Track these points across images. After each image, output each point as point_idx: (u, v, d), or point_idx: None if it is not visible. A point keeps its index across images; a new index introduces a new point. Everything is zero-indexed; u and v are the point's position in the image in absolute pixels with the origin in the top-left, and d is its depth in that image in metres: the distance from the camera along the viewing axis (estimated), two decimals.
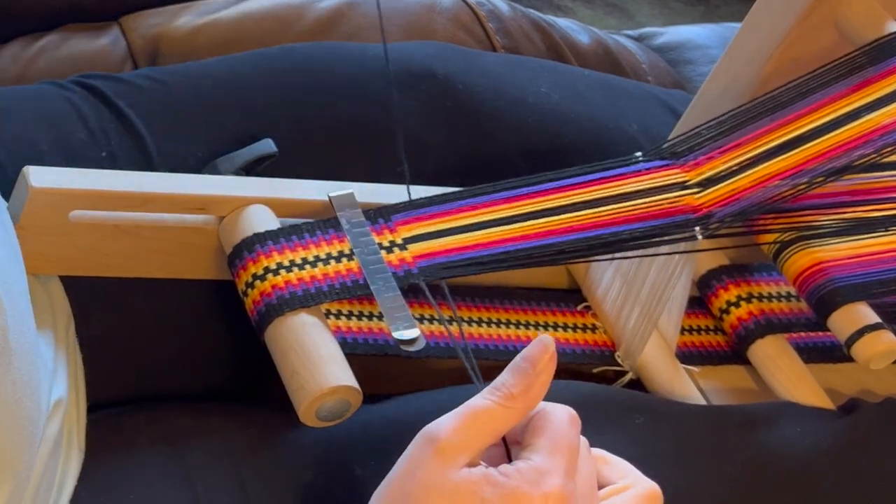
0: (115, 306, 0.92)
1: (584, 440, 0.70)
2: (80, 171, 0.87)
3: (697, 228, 0.92)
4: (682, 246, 0.93)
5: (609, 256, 0.97)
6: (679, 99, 1.19)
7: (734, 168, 0.94)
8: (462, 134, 1.05)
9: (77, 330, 0.90)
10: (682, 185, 0.93)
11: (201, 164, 0.96)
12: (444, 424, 0.67)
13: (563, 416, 0.69)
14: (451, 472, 0.65)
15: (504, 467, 0.67)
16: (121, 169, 0.94)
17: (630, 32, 1.35)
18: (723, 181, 0.93)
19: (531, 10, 1.25)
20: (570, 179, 0.93)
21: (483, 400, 0.67)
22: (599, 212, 0.91)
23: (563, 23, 1.28)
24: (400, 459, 0.68)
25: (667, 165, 0.94)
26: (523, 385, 0.68)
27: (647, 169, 0.94)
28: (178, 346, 0.95)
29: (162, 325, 0.94)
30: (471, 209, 0.91)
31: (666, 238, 0.92)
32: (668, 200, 0.93)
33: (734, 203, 0.93)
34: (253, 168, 0.94)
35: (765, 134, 0.95)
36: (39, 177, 0.85)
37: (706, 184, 0.93)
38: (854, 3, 0.98)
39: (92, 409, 0.89)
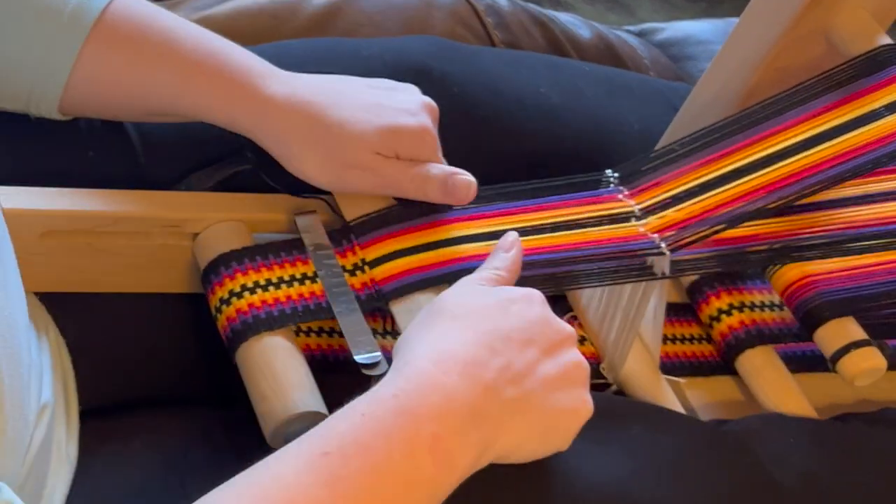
0: (94, 311, 0.92)
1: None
2: (53, 191, 0.87)
3: (663, 245, 0.90)
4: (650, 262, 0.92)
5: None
6: (683, 93, 1.17)
7: (694, 189, 0.93)
8: (457, 136, 1.03)
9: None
10: (630, 216, 0.92)
11: (190, 165, 0.95)
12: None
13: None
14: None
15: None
16: (107, 168, 0.93)
17: (631, 28, 1.33)
18: (675, 205, 0.92)
19: (530, 5, 1.23)
20: (532, 201, 0.93)
21: (487, 273, 0.84)
22: (559, 236, 0.91)
23: (564, 17, 1.26)
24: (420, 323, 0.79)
25: (616, 193, 0.93)
26: (507, 265, 0.85)
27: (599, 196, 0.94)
28: (168, 352, 0.94)
29: (151, 329, 0.94)
30: (429, 227, 0.91)
31: (629, 259, 0.91)
32: (624, 229, 0.92)
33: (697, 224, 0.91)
34: (229, 181, 0.94)
35: (745, 147, 0.93)
36: (11, 198, 0.85)
37: (655, 210, 0.92)
38: (845, 14, 0.95)
39: (81, 416, 0.88)
